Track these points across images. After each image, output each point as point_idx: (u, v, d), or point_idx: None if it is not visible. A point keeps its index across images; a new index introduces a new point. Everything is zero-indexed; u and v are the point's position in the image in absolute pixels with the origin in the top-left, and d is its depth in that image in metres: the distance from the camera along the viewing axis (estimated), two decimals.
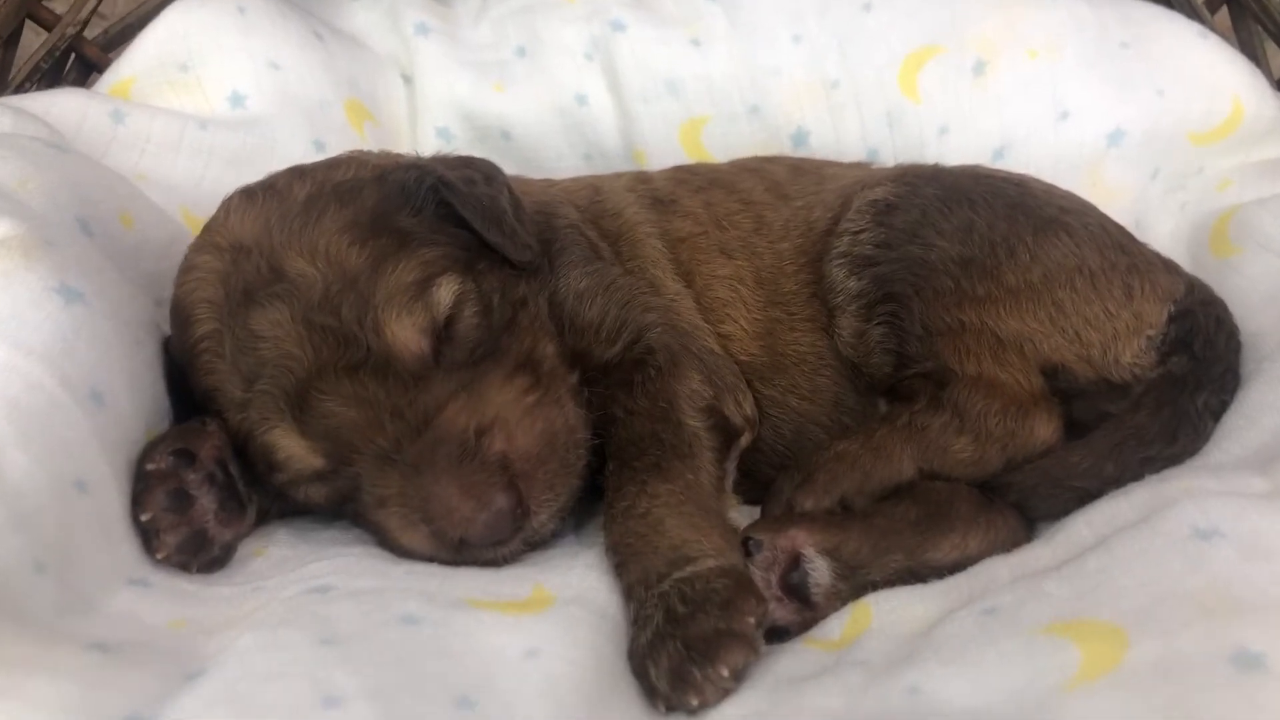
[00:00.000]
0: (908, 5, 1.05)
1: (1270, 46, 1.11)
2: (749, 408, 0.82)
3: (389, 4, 1.10)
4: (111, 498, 0.63)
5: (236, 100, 0.98)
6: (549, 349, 0.75)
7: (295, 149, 0.98)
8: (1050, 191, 0.87)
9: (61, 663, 0.51)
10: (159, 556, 0.65)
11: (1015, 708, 0.51)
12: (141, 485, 0.66)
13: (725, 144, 1.08)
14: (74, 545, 0.59)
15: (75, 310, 0.64)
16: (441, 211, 0.74)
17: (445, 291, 0.70)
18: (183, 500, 0.66)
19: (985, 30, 1.04)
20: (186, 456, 0.68)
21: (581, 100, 1.07)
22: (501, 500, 0.66)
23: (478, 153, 1.01)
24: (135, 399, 0.68)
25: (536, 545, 0.72)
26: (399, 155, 0.83)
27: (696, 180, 0.92)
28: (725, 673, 0.59)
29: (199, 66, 0.98)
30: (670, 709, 0.59)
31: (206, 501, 0.68)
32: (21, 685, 0.49)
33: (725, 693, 0.60)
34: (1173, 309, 0.80)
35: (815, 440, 0.83)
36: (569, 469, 0.71)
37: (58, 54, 1.04)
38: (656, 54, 1.06)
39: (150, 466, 0.66)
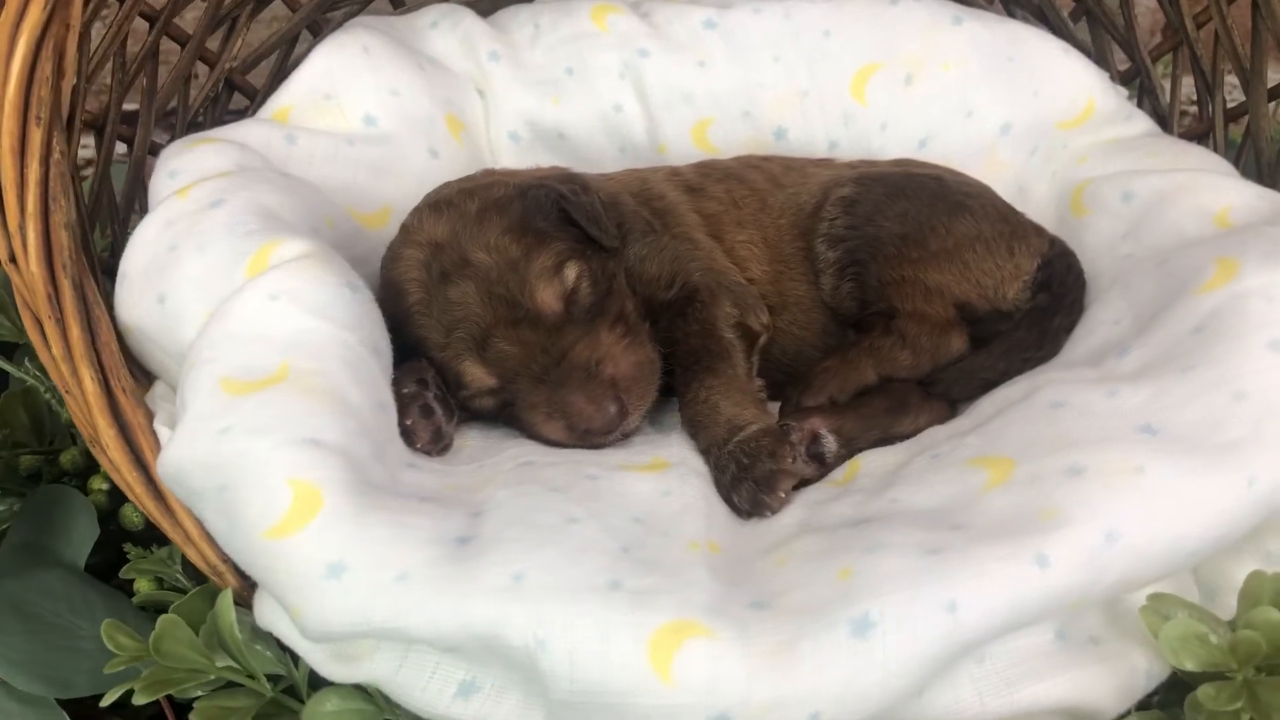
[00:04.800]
0: (855, 32, 1.38)
1: (1116, 50, 1.51)
2: (765, 318, 1.15)
3: (462, 34, 1.41)
4: (393, 414, 0.97)
5: (370, 121, 1.28)
6: (630, 306, 1.09)
7: (417, 158, 1.29)
8: (959, 180, 1.22)
9: (410, 508, 0.83)
10: (417, 447, 0.98)
11: (960, 503, 0.86)
12: (402, 403, 0.98)
13: (726, 140, 1.40)
14: (385, 444, 0.92)
15: (358, 297, 0.96)
16: (561, 215, 1.07)
17: (571, 271, 1.04)
18: (429, 411, 1.00)
19: (912, 50, 1.37)
20: (423, 383, 1.01)
21: (618, 109, 1.39)
22: (612, 406, 1.00)
23: (539, 149, 1.36)
24: (389, 352, 1.00)
25: (627, 436, 1.05)
26: (523, 172, 1.17)
27: (716, 174, 1.25)
28: (782, 495, 0.95)
29: (340, 95, 1.28)
30: (750, 518, 0.96)
31: (439, 411, 1.01)
32: (400, 519, 0.81)
33: (784, 504, 0.95)
34: (1039, 261, 1.14)
35: (809, 358, 1.17)
36: (650, 386, 1.06)
37: (221, 85, 1.36)
38: (673, 73, 1.38)
39: (405, 390, 0.99)
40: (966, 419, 1.04)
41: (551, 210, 1.07)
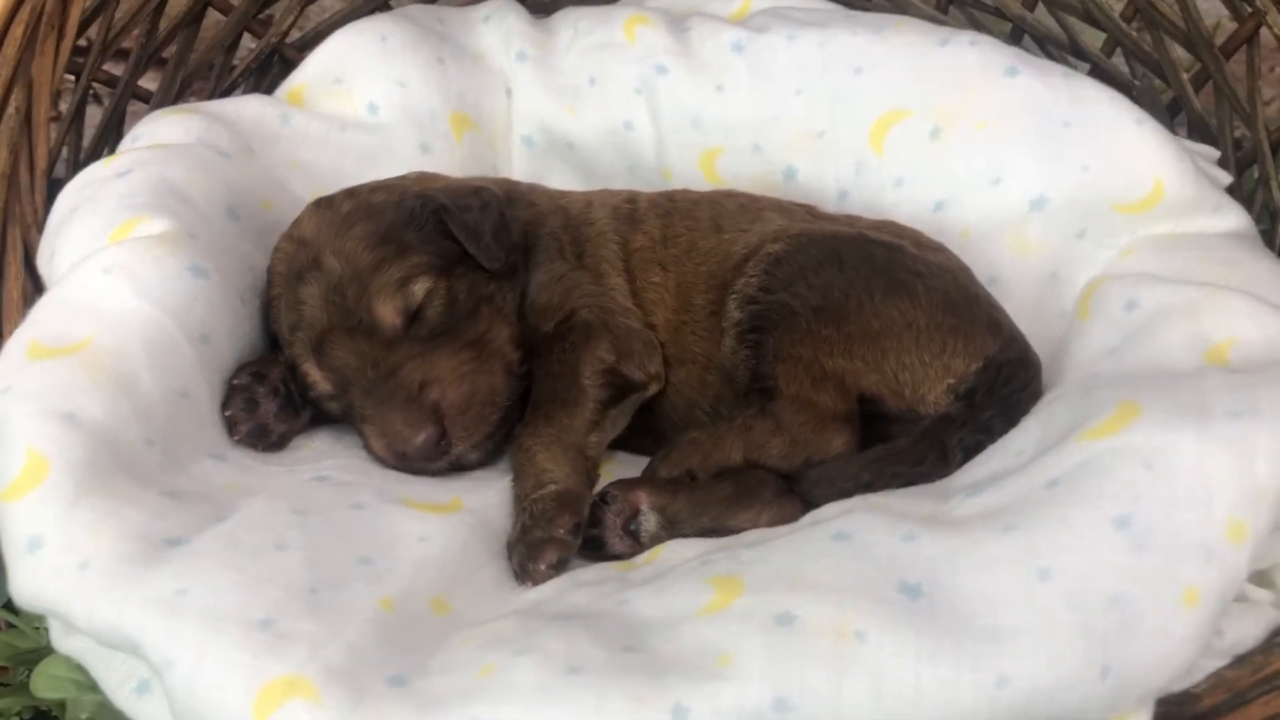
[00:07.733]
0: (890, 72, 1.23)
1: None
2: (654, 367, 1.06)
3: (504, 31, 1.38)
4: (204, 402, 0.97)
5: (372, 109, 1.29)
6: (501, 333, 1.04)
7: (407, 151, 1.28)
8: (922, 256, 1.05)
9: (143, 500, 0.84)
10: (235, 439, 0.99)
11: (669, 621, 0.76)
12: (228, 394, 1.00)
13: (734, 172, 1.29)
14: (176, 430, 0.93)
15: (200, 282, 0.98)
16: (442, 228, 1.04)
17: (419, 288, 1.00)
18: (253, 405, 1.00)
19: (948, 101, 1.20)
20: (259, 376, 1.01)
21: (629, 126, 1.32)
22: (429, 432, 0.97)
23: (551, 158, 1.33)
24: (233, 341, 1.02)
25: (462, 467, 1.02)
26: (446, 179, 1.14)
27: (666, 206, 1.16)
28: (543, 567, 0.89)
29: (349, 80, 1.29)
30: (520, 584, 0.90)
31: (269, 406, 1.00)
32: (117, 509, 0.82)
33: (548, 576, 0.90)
34: (980, 364, 0.98)
35: (698, 422, 1.07)
36: (484, 419, 1.00)
37: (265, 55, 1.42)
38: (687, 96, 1.29)
39: (235, 381, 1.00)
40: (787, 527, 0.91)
41: (428, 222, 1.03)
